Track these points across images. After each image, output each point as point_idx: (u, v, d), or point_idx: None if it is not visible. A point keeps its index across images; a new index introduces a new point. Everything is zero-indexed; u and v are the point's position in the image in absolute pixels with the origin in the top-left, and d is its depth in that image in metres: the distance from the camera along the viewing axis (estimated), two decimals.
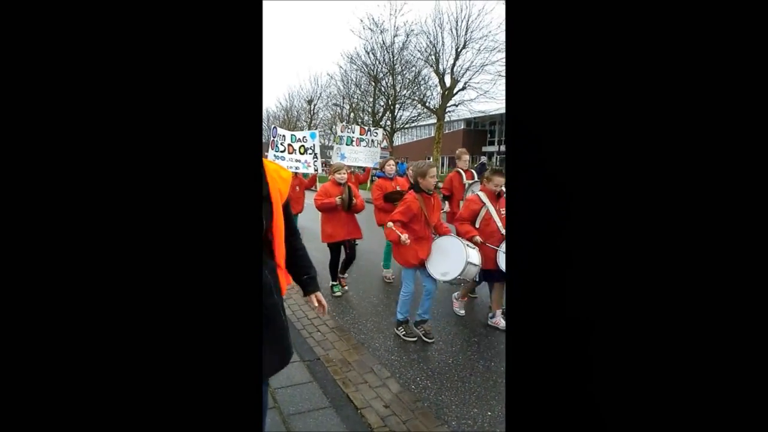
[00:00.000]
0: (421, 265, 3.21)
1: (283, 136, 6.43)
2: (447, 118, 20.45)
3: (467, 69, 18.02)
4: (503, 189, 3.38)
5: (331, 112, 27.87)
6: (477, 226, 3.38)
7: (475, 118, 25.84)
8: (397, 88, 20.74)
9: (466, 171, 4.70)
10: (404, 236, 3.03)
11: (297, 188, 6.08)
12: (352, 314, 3.83)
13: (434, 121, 20.47)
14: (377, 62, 20.60)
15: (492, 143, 29.48)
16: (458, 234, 3.34)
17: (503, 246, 3.28)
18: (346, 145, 6.88)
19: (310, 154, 6.60)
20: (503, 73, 16.90)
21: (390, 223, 3.10)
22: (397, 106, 21.26)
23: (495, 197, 3.38)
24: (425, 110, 20.83)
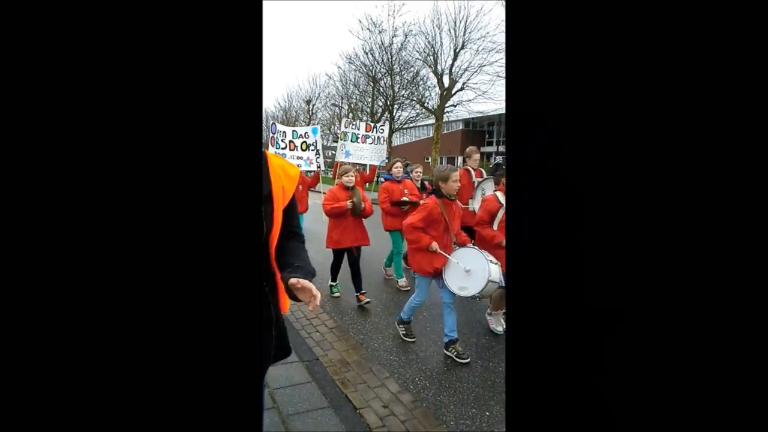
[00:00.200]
0: (437, 274, 3.02)
1: (284, 132, 6.21)
2: (445, 119, 20.47)
3: (465, 69, 18.07)
4: None
5: (330, 112, 27.92)
6: (495, 227, 3.20)
7: (473, 118, 25.87)
8: (396, 89, 20.76)
9: (475, 170, 4.60)
10: (434, 245, 2.91)
11: (300, 187, 5.80)
12: (350, 314, 3.83)
13: (433, 121, 20.50)
14: (376, 62, 20.63)
15: (490, 143, 29.52)
16: (480, 239, 3.16)
17: None
18: (351, 141, 6.62)
19: (312, 150, 6.35)
20: (501, 74, 16.95)
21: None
22: (396, 106, 21.28)
23: None
24: (424, 110, 20.85)
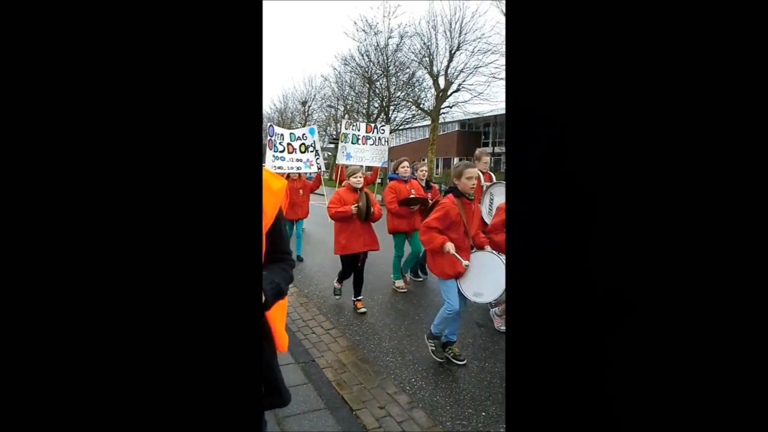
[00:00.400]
0: (459, 277, 2.81)
1: (281, 135, 6.14)
2: (441, 120, 20.50)
3: (461, 71, 18.10)
4: None
5: (326, 114, 27.90)
6: None
7: (469, 119, 25.92)
8: (392, 90, 20.77)
9: (484, 173, 4.47)
10: (448, 245, 2.68)
11: (300, 191, 5.76)
12: (347, 316, 3.83)
13: (428, 122, 20.52)
14: (371, 64, 20.64)
15: (486, 144, 29.57)
16: (494, 246, 2.93)
17: None
18: (352, 143, 6.53)
19: (311, 151, 6.27)
20: (497, 75, 17.00)
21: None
22: (392, 107, 21.28)
23: None
24: (419, 112, 20.87)
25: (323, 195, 7.37)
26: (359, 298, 3.97)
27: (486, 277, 2.73)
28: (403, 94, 20.73)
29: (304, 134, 6.31)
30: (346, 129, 6.53)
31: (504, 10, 14.82)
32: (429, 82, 19.50)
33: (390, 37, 19.75)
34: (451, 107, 19.53)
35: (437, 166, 26.08)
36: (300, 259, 5.69)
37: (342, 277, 4.07)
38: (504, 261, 2.72)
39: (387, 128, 6.91)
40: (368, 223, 3.79)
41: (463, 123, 28.92)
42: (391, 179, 4.55)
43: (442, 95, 18.63)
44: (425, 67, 18.99)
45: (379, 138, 6.70)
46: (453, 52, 17.95)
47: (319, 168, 6.32)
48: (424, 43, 18.49)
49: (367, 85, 21.46)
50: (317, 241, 6.89)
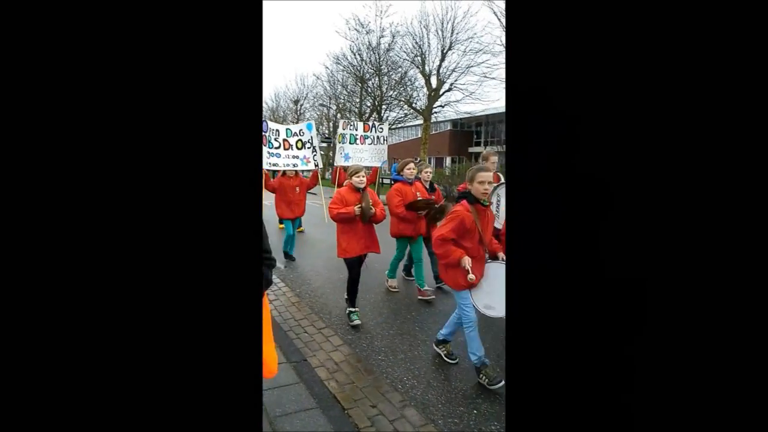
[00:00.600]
0: (472, 289, 2.65)
1: (277, 131, 5.94)
2: (433, 119, 20.53)
3: (453, 70, 18.14)
4: None
5: (318, 113, 27.80)
6: None
7: (461, 119, 26.00)
8: (384, 89, 20.76)
9: (493, 174, 4.38)
10: (465, 260, 2.51)
11: (297, 189, 5.59)
12: (339, 315, 3.82)
13: (421, 122, 20.54)
14: (363, 63, 20.60)
15: (478, 144, 29.69)
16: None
17: None
18: (350, 143, 6.40)
19: (308, 148, 6.07)
20: (489, 75, 17.05)
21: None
22: (384, 107, 21.28)
23: None
24: (412, 111, 20.88)
25: (317, 195, 7.31)
26: (355, 309, 3.68)
27: (498, 290, 2.56)
28: (395, 93, 20.73)
29: (301, 130, 6.11)
30: (344, 129, 6.41)
31: (495, 11, 14.89)
32: (421, 81, 19.54)
33: (382, 36, 19.75)
34: (443, 107, 19.58)
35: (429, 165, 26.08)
36: (292, 258, 5.62)
37: (351, 293, 3.67)
38: None
39: (385, 126, 6.81)
40: (370, 225, 3.64)
41: (455, 122, 29.00)
42: (395, 181, 4.33)
43: (434, 95, 18.66)
44: (417, 67, 19.01)
45: (378, 137, 6.60)
46: (445, 51, 17.98)
47: (317, 165, 6.19)
48: (416, 43, 18.51)
49: (360, 84, 21.42)
50: (311, 241, 6.86)
